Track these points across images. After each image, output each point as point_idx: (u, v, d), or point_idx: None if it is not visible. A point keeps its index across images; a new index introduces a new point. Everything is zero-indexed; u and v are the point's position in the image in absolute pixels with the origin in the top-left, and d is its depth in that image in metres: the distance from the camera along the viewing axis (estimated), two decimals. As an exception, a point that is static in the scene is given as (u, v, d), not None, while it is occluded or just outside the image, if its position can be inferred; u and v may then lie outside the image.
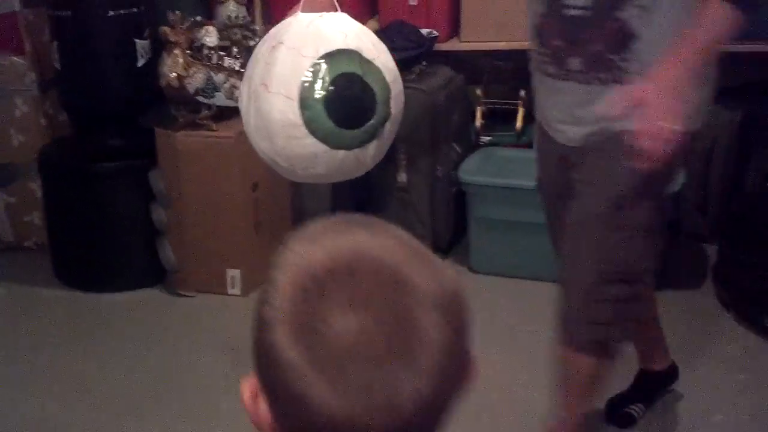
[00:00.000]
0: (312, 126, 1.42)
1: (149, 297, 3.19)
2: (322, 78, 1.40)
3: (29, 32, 3.33)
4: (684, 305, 2.96)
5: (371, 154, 1.48)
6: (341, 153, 1.44)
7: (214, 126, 2.98)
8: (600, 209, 1.57)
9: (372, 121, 1.43)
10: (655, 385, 2.24)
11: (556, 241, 1.83)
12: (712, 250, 3.18)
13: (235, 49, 3.06)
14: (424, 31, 3.40)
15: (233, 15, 3.16)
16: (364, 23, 3.46)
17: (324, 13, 1.55)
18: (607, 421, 2.22)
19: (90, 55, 3.05)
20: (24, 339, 2.89)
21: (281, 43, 1.54)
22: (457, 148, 3.40)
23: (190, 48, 2.95)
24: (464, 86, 3.49)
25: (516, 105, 3.49)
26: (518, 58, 3.44)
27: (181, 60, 2.90)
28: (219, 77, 2.95)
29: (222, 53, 3.02)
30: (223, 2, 3.20)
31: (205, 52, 2.97)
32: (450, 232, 3.42)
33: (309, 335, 0.67)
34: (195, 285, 3.18)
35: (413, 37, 3.36)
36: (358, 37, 1.48)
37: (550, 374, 1.91)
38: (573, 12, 1.48)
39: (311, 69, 1.42)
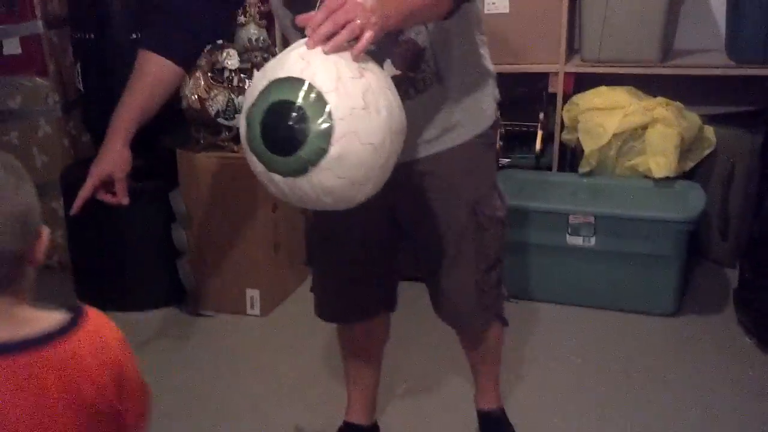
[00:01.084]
0: (252, 144, 1.47)
1: (169, 316, 3.21)
2: (264, 101, 1.44)
3: (53, 54, 3.38)
4: (705, 330, 2.93)
5: (308, 187, 1.46)
6: (277, 177, 1.47)
7: (234, 147, 3.00)
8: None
9: (300, 153, 1.44)
10: None
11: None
12: (733, 275, 3.16)
13: (255, 71, 3.08)
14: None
15: (254, 38, 3.18)
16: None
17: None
18: None
19: (112, 76, 3.08)
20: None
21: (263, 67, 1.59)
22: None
23: (211, 71, 2.98)
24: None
25: (535, 127, 3.50)
26: (536, 80, 3.48)
27: (202, 83, 2.94)
28: (240, 99, 2.97)
29: (243, 75, 3.05)
30: (243, 25, 3.22)
31: (227, 74, 3.00)
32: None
33: None
34: (214, 305, 3.20)
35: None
36: (322, 67, 1.47)
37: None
38: None
39: (259, 91, 1.46)
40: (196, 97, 2.95)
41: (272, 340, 3.03)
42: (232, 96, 2.98)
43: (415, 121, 1.74)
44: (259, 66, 3.09)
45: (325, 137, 1.41)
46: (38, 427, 1.13)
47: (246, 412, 2.57)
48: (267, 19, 3.39)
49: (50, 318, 1.21)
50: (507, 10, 3.34)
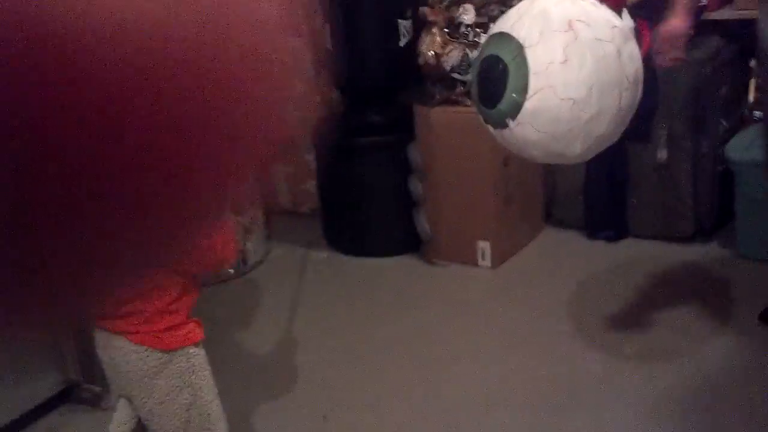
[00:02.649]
0: (473, 96, 1.56)
1: (406, 264, 3.38)
2: (478, 57, 1.50)
3: (307, 17, 3.64)
4: None
5: (516, 137, 1.47)
6: (490, 128, 1.51)
7: (468, 102, 3.06)
8: None
9: (500, 106, 1.44)
10: None
11: None
12: None
13: (492, 25, 3.10)
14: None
15: (492, -8, 3.19)
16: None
17: None
18: None
19: (357, 35, 3.27)
20: (294, 294, 3.22)
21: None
22: (725, 123, 3.17)
23: (448, 26, 3.06)
24: (737, 57, 3.23)
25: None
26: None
27: (438, 38, 3.02)
28: (474, 54, 3.02)
29: (479, 30, 3.09)
30: (483, -21, 3.25)
31: (462, 29, 3.06)
32: (715, 213, 3.22)
33: None
34: (447, 255, 3.32)
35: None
36: (532, 21, 1.45)
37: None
38: None
39: (482, 46, 1.52)
40: (432, 53, 3.05)
41: (501, 292, 3.09)
42: (467, 51, 3.04)
43: None
44: (495, 20, 3.11)
45: (521, 91, 1.43)
46: None
47: (471, 358, 2.67)
48: (507, -27, 3.39)
49: None
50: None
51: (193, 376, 1.70)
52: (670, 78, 3.05)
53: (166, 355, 1.66)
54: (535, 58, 1.44)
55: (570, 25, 1.47)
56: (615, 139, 1.57)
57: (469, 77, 3.03)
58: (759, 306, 2.74)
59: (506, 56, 1.47)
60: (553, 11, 1.48)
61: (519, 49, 1.46)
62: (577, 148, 1.54)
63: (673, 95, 3.06)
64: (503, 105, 1.48)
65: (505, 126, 1.52)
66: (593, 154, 1.61)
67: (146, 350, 1.65)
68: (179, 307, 1.66)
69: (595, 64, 1.46)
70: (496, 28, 1.59)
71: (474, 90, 1.59)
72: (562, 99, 1.45)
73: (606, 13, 1.54)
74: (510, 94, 1.46)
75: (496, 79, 1.49)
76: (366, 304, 3.09)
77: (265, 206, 3.62)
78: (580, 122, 1.48)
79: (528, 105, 1.45)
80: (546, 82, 1.44)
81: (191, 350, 1.70)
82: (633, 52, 1.53)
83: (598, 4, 1.57)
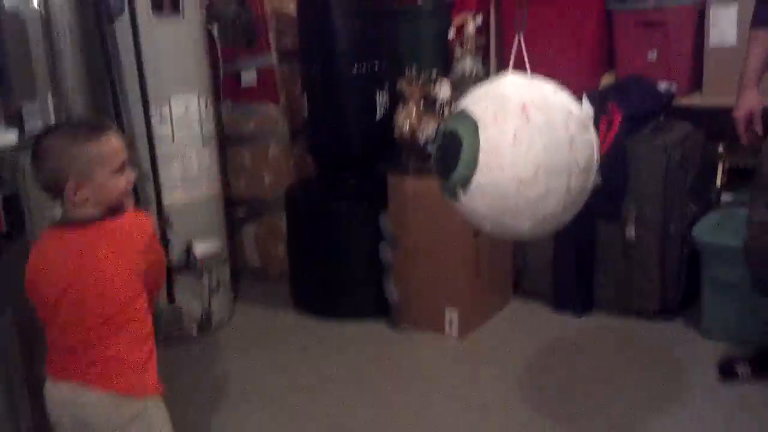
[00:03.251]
0: (434, 165, 1.76)
1: (374, 329, 3.37)
2: (444, 128, 1.64)
3: (284, 84, 3.71)
4: None
5: (467, 210, 1.60)
6: (446, 197, 1.70)
7: (441, 174, 3.11)
8: None
9: (452, 177, 1.61)
10: None
11: None
12: None
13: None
14: (663, 85, 3.30)
15: (468, 69, 3.28)
16: (600, 76, 3.48)
17: (507, 74, 1.70)
18: None
19: (335, 106, 3.31)
20: (259, 357, 3.18)
21: None
22: (693, 207, 3.24)
23: (424, 100, 3.12)
24: (704, 143, 3.33)
25: None
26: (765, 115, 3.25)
27: (414, 112, 3.08)
28: (448, 128, 3.08)
29: (454, 105, 3.15)
30: (460, 58, 3.34)
31: (438, 105, 3.12)
32: (681, 293, 3.26)
33: None
34: (416, 322, 3.31)
35: (650, 92, 3.28)
36: (490, 102, 1.58)
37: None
38: None
39: (444, 120, 1.68)
40: (408, 126, 3.10)
41: (467, 362, 3.08)
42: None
43: None
44: (470, 95, 3.19)
45: (471, 166, 1.51)
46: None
47: (430, 427, 2.64)
48: (483, 51, 3.49)
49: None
50: (735, 42, 3.15)
51: (163, 429, 1.72)
52: (640, 160, 3.13)
53: (140, 403, 1.69)
54: (486, 137, 1.52)
55: (524, 109, 1.54)
56: (566, 219, 1.63)
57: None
58: (719, 386, 2.76)
59: (462, 132, 1.56)
60: (511, 94, 1.56)
61: (474, 126, 1.54)
62: (526, 225, 1.60)
63: (643, 176, 3.13)
64: (455, 177, 1.58)
65: (456, 197, 1.62)
66: (545, 232, 1.67)
67: (122, 398, 1.68)
68: (152, 356, 1.73)
69: (544, 147, 1.52)
70: (460, 104, 1.69)
71: (434, 160, 1.72)
72: (510, 177, 1.51)
73: (564, 99, 1.61)
74: (461, 168, 1.55)
75: (452, 153, 1.60)
76: (330, 367, 3.07)
77: (232, 267, 3.62)
78: (528, 200, 1.54)
79: (476, 179, 1.54)
80: (494, 160, 1.51)
81: (160, 402, 1.72)
82: (587, 139, 1.59)
83: (558, 90, 1.65)
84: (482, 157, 1.52)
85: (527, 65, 1.74)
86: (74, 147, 1.66)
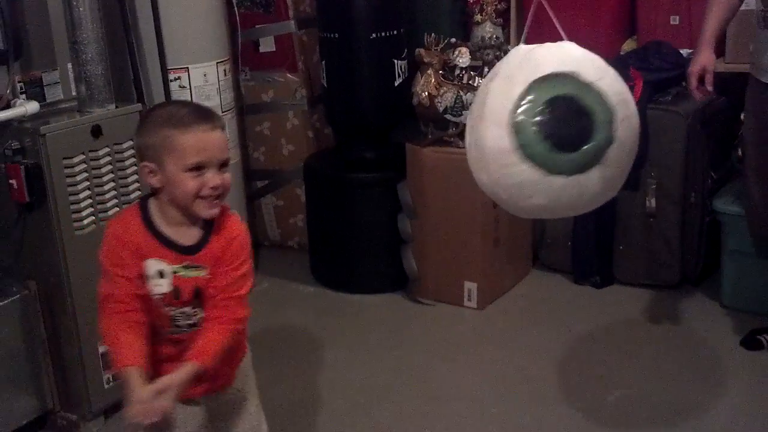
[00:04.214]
0: (527, 150, 1.39)
1: (392, 301, 3.37)
2: (534, 101, 1.38)
3: (302, 52, 3.68)
4: None
5: (595, 182, 1.38)
6: (559, 180, 1.37)
7: (460, 143, 3.09)
8: None
9: (590, 144, 1.35)
10: None
11: None
12: None
13: (486, 69, 3.14)
14: (684, 51, 3.25)
15: (488, 36, 3.24)
16: (621, 43, 3.43)
17: (545, 43, 1.54)
18: None
19: (353, 73, 3.29)
20: (279, 329, 3.20)
21: (497, 74, 1.57)
22: (714, 175, 3.21)
23: (442, 68, 3.09)
24: (726, 110, 3.28)
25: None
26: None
27: (433, 80, 3.06)
28: (468, 96, 3.05)
29: (473, 73, 3.13)
30: (479, 23, 3.30)
31: (457, 72, 3.09)
32: (701, 263, 3.24)
33: None
34: (434, 294, 3.31)
35: (671, 58, 3.23)
36: (576, 61, 1.44)
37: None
38: None
39: (523, 94, 1.41)
40: (426, 94, 3.08)
41: (486, 334, 3.08)
42: (461, 93, 3.07)
43: None
44: (490, 64, 3.15)
45: (609, 124, 1.37)
46: None
47: (458, 401, 2.65)
48: (503, 17, 3.45)
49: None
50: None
51: None
52: (661, 128, 3.09)
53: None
54: (608, 91, 1.40)
55: (603, 66, 1.49)
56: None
57: (462, 119, 3.06)
58: (742, 356, 2.75)
59: (576, 93, 1.40)
60: (583, 54, 1.50)
61: (584, 85, 1.40)
62: (612, 185, 1.51)
63: (663, 145, 3.10)
64: (596, 142, 1.38)
65: (591, 166, 1.41)
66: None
67: None
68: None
69: (623, 99, 1.49)
70: (525, 75, 1.46)
71: (531, 143, 1.41)
72: (635, 129, 1.44)
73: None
74: (599, 130, 1.38)
75: (576, 119, 1.40)
76: (350, 341, 3.08)
77: (253, 240, 3.61)
78: (627, 153, 1.46)
79: (616, 138, 1.40)
80: (624, 112, 1.41)
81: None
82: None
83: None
84: (618, 112, 1.39)
85: (561, 32, 1.65)
86: (154, 128, 1.58)
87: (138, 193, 2.52)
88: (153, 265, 1.60)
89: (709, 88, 2.58)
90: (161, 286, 1.60)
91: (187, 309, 1.66)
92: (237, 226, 1.68)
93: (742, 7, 2.90)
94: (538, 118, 1.39)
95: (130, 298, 1.59)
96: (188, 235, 1.63)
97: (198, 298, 1.65)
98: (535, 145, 1.39)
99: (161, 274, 1.60)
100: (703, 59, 2.56)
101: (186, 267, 1.62)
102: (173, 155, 1.55)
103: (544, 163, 1.40)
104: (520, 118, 1.41)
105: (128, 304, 1.60)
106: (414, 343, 3.04)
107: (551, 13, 1.65)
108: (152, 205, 1.64)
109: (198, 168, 1.56)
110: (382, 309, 3.32)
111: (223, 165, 1.59)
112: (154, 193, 1.64)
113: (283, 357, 2.97)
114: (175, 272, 1.61)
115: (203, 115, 1.60)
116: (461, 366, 2.86)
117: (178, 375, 1.56)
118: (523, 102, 1.41)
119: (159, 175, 1.58)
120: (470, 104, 3.03)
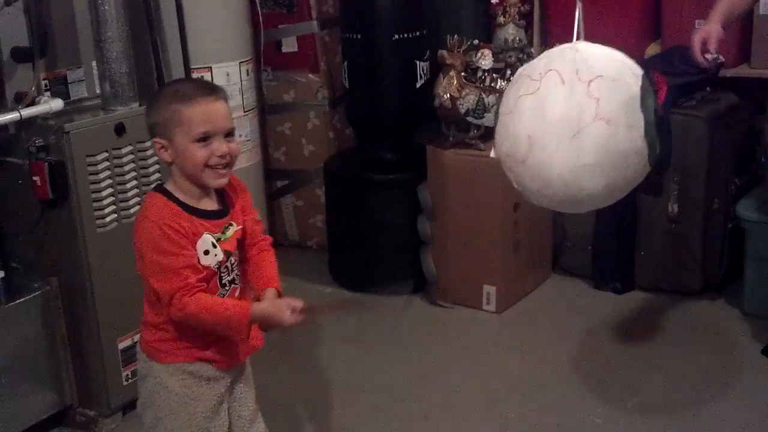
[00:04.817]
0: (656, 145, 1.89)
1: (410, 303, 3.36)
2: (643, 100, 1.84)
3: (324, 52, 3.68)
4: None
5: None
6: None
7: (481, 146, 3.08)
8: None
9: (659, 145, 1.86)
10: None
11: None
12: None
13: (509, 72, 3.13)
14: (710, 56, 3.21)
15: (510, 38, 3.23)
16: (645, 46, 3.41)
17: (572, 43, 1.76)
18: None
19: (375, 74, 3.29)
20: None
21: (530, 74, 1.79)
22: (737, 181, 3.17)
23: (465, 70, 3.08)
24: (752, 115, 3.25)
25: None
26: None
27: (455, 82, 3.04)
28: (490, 99, 3.04)
29: (495, 75, 3.11)
30: (502, 25, 3.28)
31: (479, 74, 3.08)
32: (723, 270, 3.20)
33: None
34: (452, 296, 3.30)
35: (695, 62, 3.19)
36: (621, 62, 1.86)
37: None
38: None
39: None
40: (447, 96, 3.07)
41: (504, 338, 3.07)
42: (483, 95, 3.05)
43: None
44: (513, 66, 3.14)
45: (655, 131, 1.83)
46: None
47: (475, 405, 2.64)
48: (526, 20, 3.43)
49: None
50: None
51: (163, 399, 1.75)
52: (684, 133, 3.07)
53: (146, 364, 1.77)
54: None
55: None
56: None
57: (484, 121, 3.05)
58: (763, 364, 2.72)
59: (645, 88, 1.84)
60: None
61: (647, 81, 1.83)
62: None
63: (686, 150, 3.07)
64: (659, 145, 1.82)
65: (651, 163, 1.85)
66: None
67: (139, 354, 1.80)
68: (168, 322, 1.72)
69: None
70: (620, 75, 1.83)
71: (653, 138, 1.81)
72: None
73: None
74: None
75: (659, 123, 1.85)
76: (367, 342, 3.07)
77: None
78: None
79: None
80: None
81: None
82: None
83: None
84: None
85: (578, 35, 1.80)
86: (162, 105, 1.66)
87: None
88: (207, 239, 1.68)
89: (711, 49, 2.55)
90: (218, 255, 1.69)
91: (228, 263, 1.74)
92: (234, 177, 1.79)
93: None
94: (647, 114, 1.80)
95: (200, 281, 1.66)
96: (211, 202, 1.73)
97: (237, 248, 1.77)
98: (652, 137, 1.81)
99: (214, 244, 1.68)
100: (708, 28, 2.55)
101: (225, 228, 1.72)
102: (182, 128, 1.63)
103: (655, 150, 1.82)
104: (649, 125, 1.80)
105: (200, 286, 1.66)
106: (431, 346, 3.03)
107: (577, 15, 1.75)
108: (171, 188, 1.71)
109: (205, 138, 1.64)
110: (400, 311, 3.31)
111: (228, 134, 1.68)
112: (162, 184, 1.75)
113: (300, 356, 2.97)
114: (219, 238, 1.70)
115: (207, 87, 1.70)
116: (479, 370, 2.85)
117: (272, 299, 1.72)
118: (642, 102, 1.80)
119: (170, 150, 1.66)
120: (493, 106, 3.02)
